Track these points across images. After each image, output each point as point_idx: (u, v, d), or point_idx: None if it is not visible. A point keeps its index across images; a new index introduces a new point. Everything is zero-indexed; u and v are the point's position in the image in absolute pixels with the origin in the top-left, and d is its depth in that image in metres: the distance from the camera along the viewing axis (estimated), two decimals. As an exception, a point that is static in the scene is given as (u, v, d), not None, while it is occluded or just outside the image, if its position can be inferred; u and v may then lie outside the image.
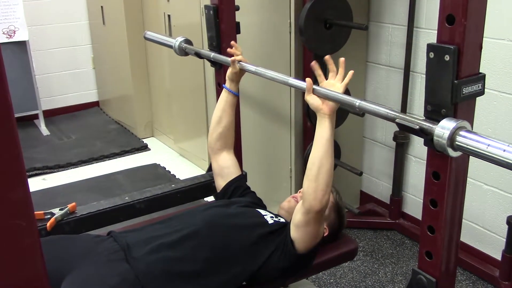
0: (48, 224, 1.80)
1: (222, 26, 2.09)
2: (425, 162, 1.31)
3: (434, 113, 1.23)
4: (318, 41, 2.46)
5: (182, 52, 2.17)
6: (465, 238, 2.54)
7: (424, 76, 1.24)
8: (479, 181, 2.51)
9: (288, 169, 2.91)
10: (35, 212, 0.73)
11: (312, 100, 1.52)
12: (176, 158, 4.01)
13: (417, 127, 1.22)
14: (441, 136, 1.16)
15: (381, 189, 3.11)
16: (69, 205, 1.91)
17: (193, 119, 3.66)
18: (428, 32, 2.59)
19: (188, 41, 2.18)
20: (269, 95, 2.87)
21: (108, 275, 1.46)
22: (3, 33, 4.09)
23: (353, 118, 2.72)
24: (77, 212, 1.92)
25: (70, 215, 1.90)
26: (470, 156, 1.20)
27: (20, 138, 0.67)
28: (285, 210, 1.84)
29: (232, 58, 1.88)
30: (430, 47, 1.21)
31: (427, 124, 1.21)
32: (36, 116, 4.55)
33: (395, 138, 2.84)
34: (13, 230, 0.67)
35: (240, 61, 1.87)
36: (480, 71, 1.24)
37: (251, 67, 1.83)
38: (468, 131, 1.15)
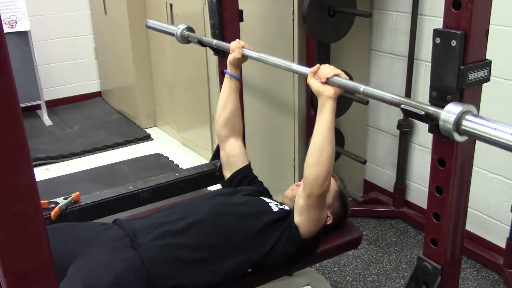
0: (52, 213, 1.81)
1: (225, 14, 2.07)
2: (429, 150, 1.30)
3: (439, 99, 1.22)
4: (321, 28, 2.44)
5: (184, 39, 2.16)
6: (469, 226, 2.54)
7: (428, 64, 1.23)
8: (484, 169, 2.50)
9: (291, 157, 2.90)
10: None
11: (314, 83, 1.50)
12: (179, 148, 4.01)
13: (423, 112, 1.21)
14: (447, 120, 1.15)
15: (385, 177, 3.10)
16: (73, 194, 1.91)
17: (196, 109, 3.65)
18: (433, 19, 2.57)
19: (190, 29, 2.16)
20: (272, 83, 2.85)
21: (114, 261, 1.46)
22: (5, 23, 4.07)
23: (356, 106, 2.70)
24: (81, 201, 1.93)
25: (74, 204, 1.90)
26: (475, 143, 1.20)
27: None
28: (289, 198, 1.83)
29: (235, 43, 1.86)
30: (436, 33, 1.20)
31: (432, 109, 1.20)
32: (38, 107, 4.55)
33: (399, 126, 2.83)
34: (20, 216, 0.67)
35: (243, 46, 1.86)
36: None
37: (254, 54, 1.82)
38: (474, 115, 1.13)
